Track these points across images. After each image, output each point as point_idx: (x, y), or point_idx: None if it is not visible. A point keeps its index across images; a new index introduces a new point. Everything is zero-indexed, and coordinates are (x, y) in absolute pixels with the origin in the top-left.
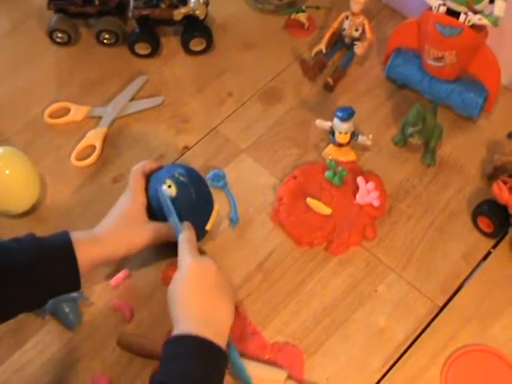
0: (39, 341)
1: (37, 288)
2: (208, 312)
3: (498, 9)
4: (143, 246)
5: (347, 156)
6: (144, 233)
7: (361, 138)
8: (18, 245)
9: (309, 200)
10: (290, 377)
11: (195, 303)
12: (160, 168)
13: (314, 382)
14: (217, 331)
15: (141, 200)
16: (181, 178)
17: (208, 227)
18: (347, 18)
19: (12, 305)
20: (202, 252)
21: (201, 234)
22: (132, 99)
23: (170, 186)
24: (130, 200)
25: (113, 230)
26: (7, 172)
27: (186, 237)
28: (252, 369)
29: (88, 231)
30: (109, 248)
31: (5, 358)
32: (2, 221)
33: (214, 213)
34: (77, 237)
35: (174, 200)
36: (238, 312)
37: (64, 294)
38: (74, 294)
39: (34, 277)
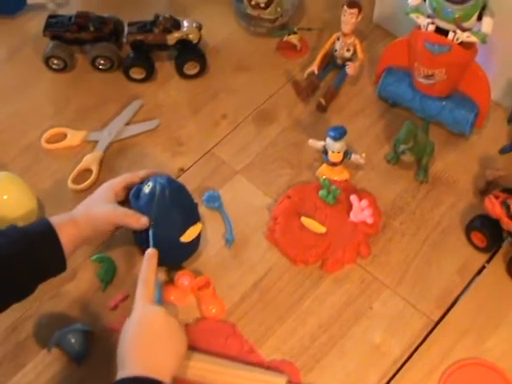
0: (39, 362)
1: (25, 276)
2: (150, 358)
3: (486, 26)
4: (105, 224)
5: (340, 175)
6: (104, 209)
7: (354, 157)
8: (0, 237)
9: (303, 219)
10: (290, 381)
11: (139, 350)
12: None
13: None
14: (160, 374)
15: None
16: (160, 180)
17: (184, 238)
18: (339, 38)
19: (2, 296)
20: (169, 279)
21: (173, 241)
22: (128, 123)
23: (148, 186)
24: (101, 189)
25: (84, 211)
26: (5, 197)
27: (142, 277)
28: (253, 373)
29: (65, 214)
30: (84, 227)
31: (5, 380)
32: None
33: (196, 227)
34: (56, 220)
35: (148, 198)
36: (234, 331)
37: (51, 277)
38: (78, 326)
39: (21, 265)
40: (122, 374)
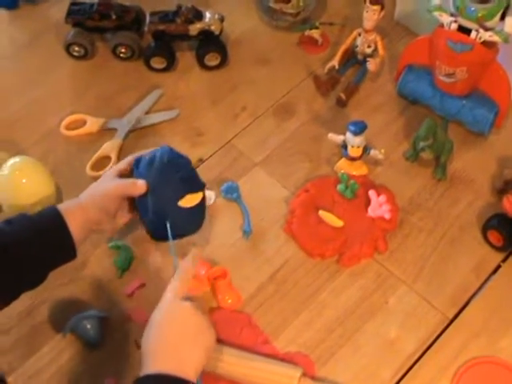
0: (54, 347)
1: (35, 264)
2: (176, 356)
3: (509, 25)
4: (109, 200)
5: (359, 170)
6: (105, 186)
7: (373, 153)
8: (10, 226)
9: (321, 212)
10: (304, 374)
11: (165, 347)
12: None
13: (327, 381)
14: (184, 372)
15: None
16: (161, 150)
17: (183, 203)
18: (360, 34)
19: (13, 284)
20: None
21: (171, 206)
22: (147, 112)
23: (149, 155)
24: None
25: (89, 194)
26: (24, 181)
27: (182, 269)
28: (268, 364)
29: (72, 200)
30: (91, 210)
31: (19, 364)
32: None
33: (196, 195)
34: (64, 207)
35: (147, 164)
36: (250, 321)
37: (62, 265)
38: (94, 312)
39: (31, 253)
40: (146, 370)
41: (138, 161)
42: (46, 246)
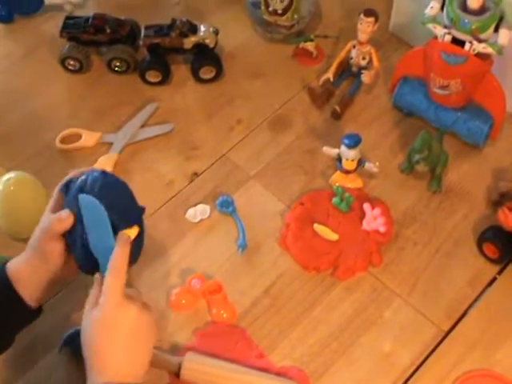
0: (49, 361)
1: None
2: (124, 360)
3: (503, 37)
4: (44, 241)
5: (354, 183)
6: (42, 225)
7: (368, 165)
8: None
9: (316, 226)
10: None
11: (110, 355)
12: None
13: None
14: (133, 376)
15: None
16: (95, 173)
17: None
18: (354, 47)
19: None
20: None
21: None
22: (142, 126)
23: (80, 178)
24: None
25: (28, 245)
26: (19, 197)
27: (114, 264)
28: (263, 379)
29: (20, 257)
30: (37, 261)
31: (15, 379)
32: (13, 244)
33: (130, 231)
34: (12, 266)
35: (76, 191)
36: (245, 336)
37: (26, 326)
38: None
39: None
40: (94, 381)
41: (67, 185)
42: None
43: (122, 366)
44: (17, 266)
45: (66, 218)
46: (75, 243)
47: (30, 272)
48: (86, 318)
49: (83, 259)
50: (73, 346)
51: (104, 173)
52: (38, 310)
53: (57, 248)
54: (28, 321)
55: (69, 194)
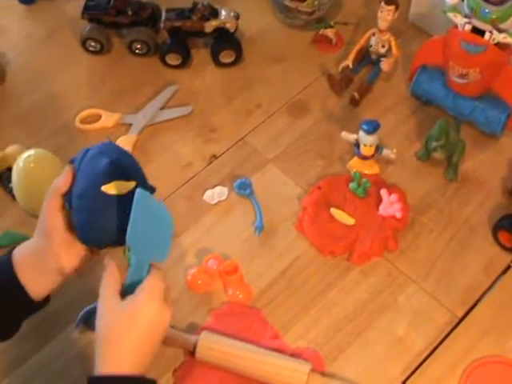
0: (65, 338)
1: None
2: (139, 351)
3: None
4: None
5: (371, 169)
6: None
7: (385, 152)
8: None
9: (333, 210)
10: (313, 369)
11: (128, 342)
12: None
13: (337, 377)
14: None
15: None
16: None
17: (106, 188)
18: (374, 34)
19: None
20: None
21: (94, 190)
22: (162, 108)
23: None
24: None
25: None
26: (39, 174)
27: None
28: (277, 359)
29: (28, 242)
30: (42, 243)
31: (30, 355)
32: (31, 220)
33: (127, 184)
34: (17, 254)
35: (82, 152)
36: (260, 317)
37: (31, 315)
38: None
39: None
40: (106, 370)
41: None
42: (5, 306)
43: (136, 357)
44: (22, 254)
45: (66, 171)
46: (71, 198)
47: (35, 259)
48: (109, 306)
49: (80, 216)
50: (89, 323)
51: (113, 143)
52: (44, 300)
53: (58, 223)
54: (33, 310)
55: (75, 160)
